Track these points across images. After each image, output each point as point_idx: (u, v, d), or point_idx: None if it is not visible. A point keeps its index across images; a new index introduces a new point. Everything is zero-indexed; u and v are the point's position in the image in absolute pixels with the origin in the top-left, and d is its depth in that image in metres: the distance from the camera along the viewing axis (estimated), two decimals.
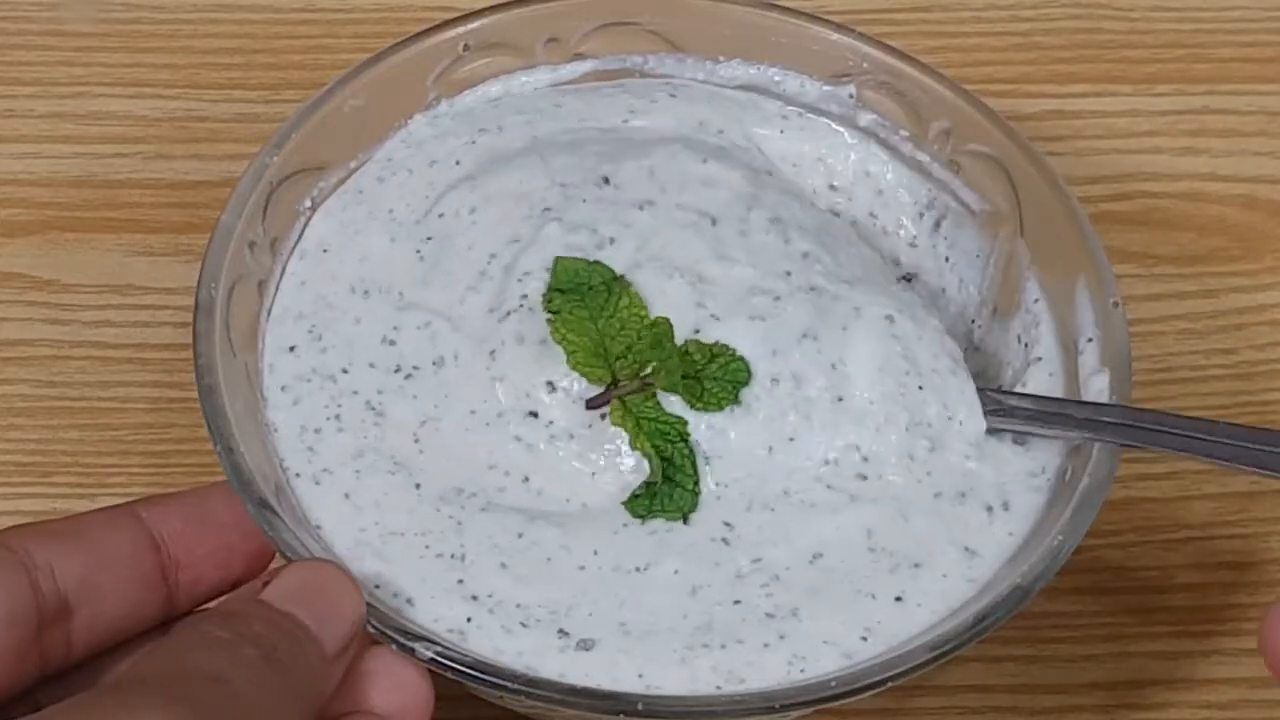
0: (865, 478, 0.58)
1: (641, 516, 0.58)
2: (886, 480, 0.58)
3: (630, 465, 0.58)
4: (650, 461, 0.58)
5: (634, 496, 0.58)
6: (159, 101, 0.75)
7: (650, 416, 0.58)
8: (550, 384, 0.59)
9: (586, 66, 0.68)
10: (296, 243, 0.63)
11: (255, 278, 0.62)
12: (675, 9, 0.67)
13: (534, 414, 0.59)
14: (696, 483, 0.58)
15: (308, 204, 0.64)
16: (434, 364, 0.60)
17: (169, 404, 0.67)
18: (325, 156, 0.64)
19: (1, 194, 0.72)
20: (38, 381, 0.68)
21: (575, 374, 0.59)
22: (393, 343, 0.60)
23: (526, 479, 0.58)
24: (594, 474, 0.59)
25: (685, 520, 0.58)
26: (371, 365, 0.60)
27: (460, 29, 0.66)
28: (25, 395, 0.68)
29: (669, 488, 0.58)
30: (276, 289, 0.62)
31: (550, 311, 0.59)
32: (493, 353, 0.59)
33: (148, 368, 0.68)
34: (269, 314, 0.62)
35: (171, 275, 0.70)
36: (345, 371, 0.60)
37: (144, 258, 0.71)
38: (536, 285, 0.60)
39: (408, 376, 0.60)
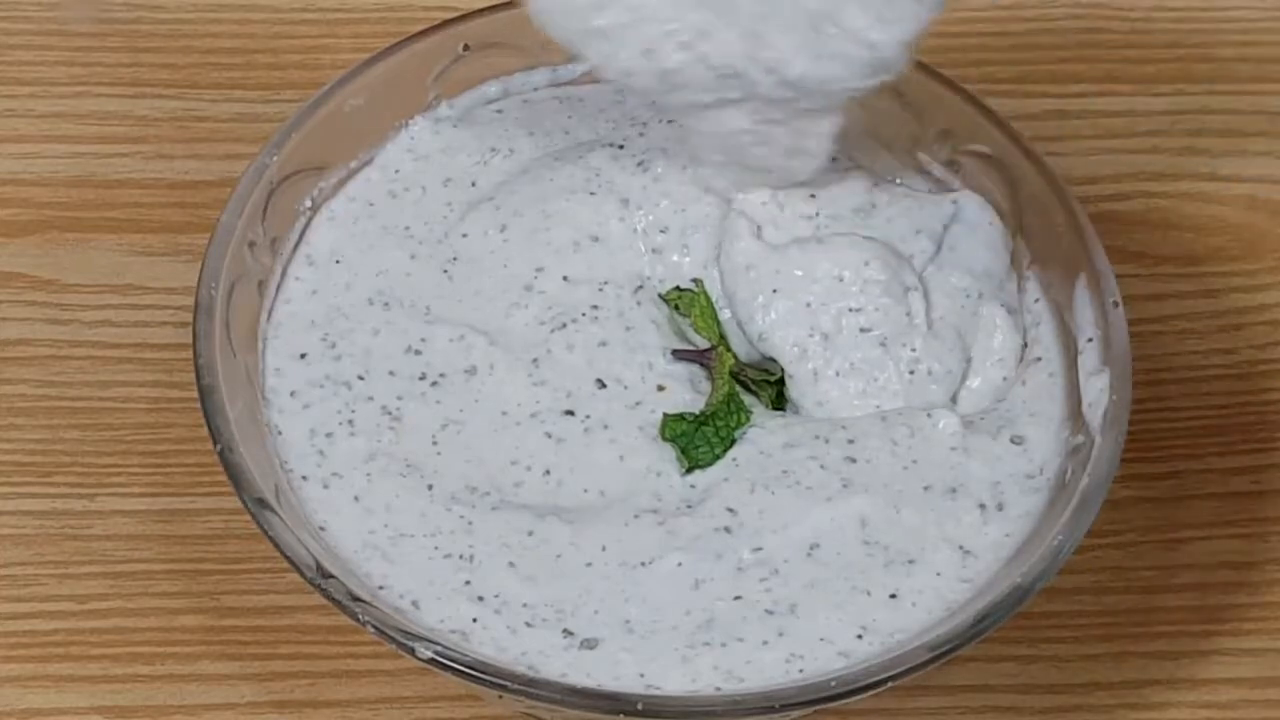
0: (854, 460, 0.59)
1: (670, 440, 0.60)
2: (874, 466, 0.59)
3: (661, 450, 0.60)
4: (715, 393, 0.60)
5: (677, 416, 0.60)
6: (159, 101, 0.75)
7: (751, 367, 0.62)
8: (600, 381, 0.60)
9: (586, 66, 0.68)
10: (298, 245, 0.64)
11: (255, 278, 0.62)
12: None
13: (570, 412, 0.60)
14: (728, 445, 0.60)
15: (308, 204, 0.64)
16: (465, 372, 0.61)
17: (169, 404, 0.67)
18: (325, 156, 0.64)
19: (1, 194, 0.72)
20: (38, 381, 0.68)
21: (630, 367, 0.61)
22: (418, 352, 0.61)
23: (548, 472, 0.59)
24: (622, 456, 0.59)
25: (690, 470, 0.59)
26: (392, 373, 0.61)
27: (460, 29, 0.66)
28: (25, 395, 0.68)
29: (710, 430, 0.60)
30: (278, 291, 0.63)
31: (694, 282, 0.63)
32: (536, 360, 0.61)
33: (148, 368, 0.68)
34: (270, 316, 0.62)
35: (171, 275, 0.70)
36: (361, 379, 0.61)
37: (144, 258, 0.71)
38: (614, 292, 0.62)
39: (434, 384, 0.61)
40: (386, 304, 0.63)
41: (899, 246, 0.62)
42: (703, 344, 0.62)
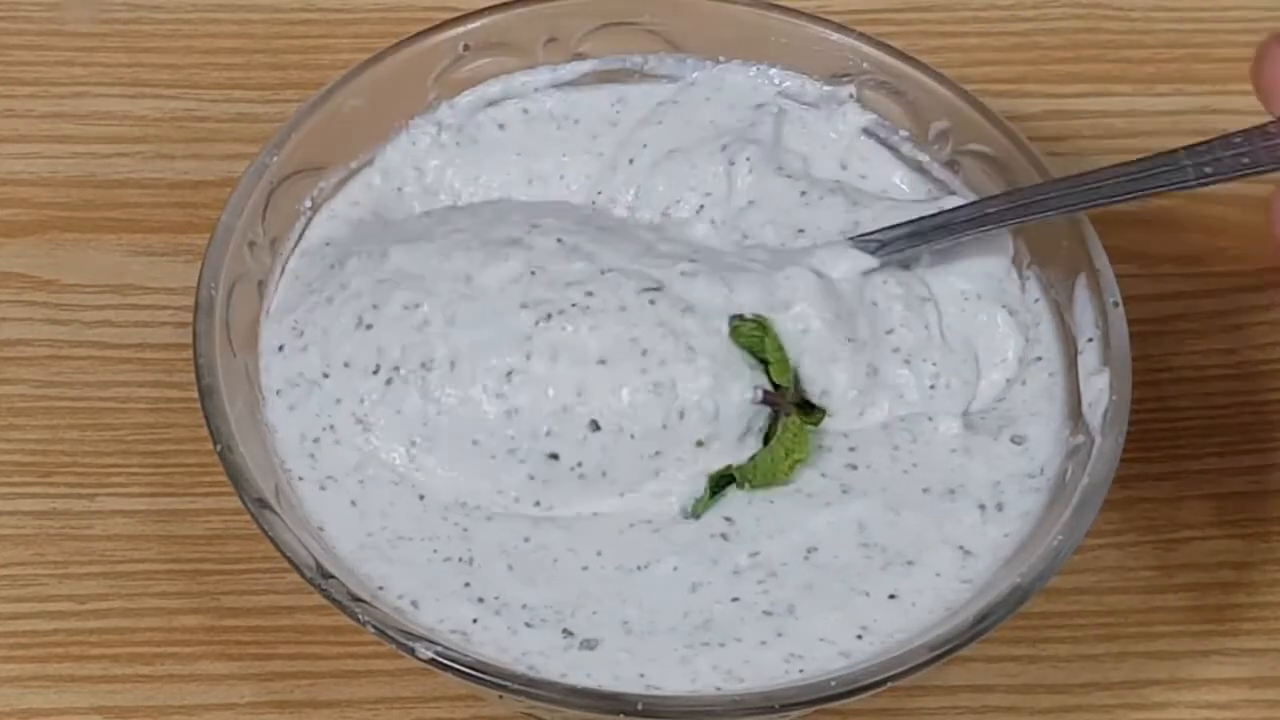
0: (855, 467, 0.59)
1: (716, 489, 0.58)
2: (874, 471, 0.59)
3: (664, 487, 0.59)
4: (771, 463, 0.58)
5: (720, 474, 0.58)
6: (159, 101, 0.75)
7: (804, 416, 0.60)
8: (595, 423, 0.58)
9: (586, 66, 0.68)
10: (297, 243, 0.64)
11: (255, 278, 0.62)
12: (675, 9, 0.67)
13: (555, 456, 0.58)
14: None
15: (308, 204, 0.64)
16: (422, 366, 0.59)
17: (169, 404, 0.67)
18: (325, 157, 0.64)
19: (1, 194, 0.72)
20: (38, 381, 0.68)
21: (630, 405, 0.58)
22: (369, 326, 0.59)
23: (537, 503, 0.59)
24: (623, 494, 0.59)
25: (695, 515, 0.59)
26: (346, 365, 0.59)
27: (460, 29, 0.66)
28: (25, 395, 0.68)
29: (733, 480, 0.59)
30: (276, 288, 0.62)
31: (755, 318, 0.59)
32: (510, 374, 0.58)
33: (148, 368, 0.68)
34: (268, 314, 0.62)
35: (171, 275, 0.70)
36: (326, 376, 0.60)
37: (144, 258, 0.71)
38: (615, 280, 0.59)
39: (387, 381, 0.59)
40: (342, 261, 0.61)
41: None
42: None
